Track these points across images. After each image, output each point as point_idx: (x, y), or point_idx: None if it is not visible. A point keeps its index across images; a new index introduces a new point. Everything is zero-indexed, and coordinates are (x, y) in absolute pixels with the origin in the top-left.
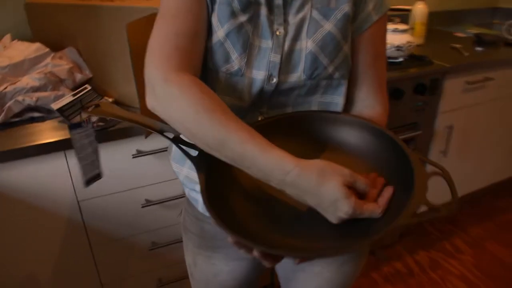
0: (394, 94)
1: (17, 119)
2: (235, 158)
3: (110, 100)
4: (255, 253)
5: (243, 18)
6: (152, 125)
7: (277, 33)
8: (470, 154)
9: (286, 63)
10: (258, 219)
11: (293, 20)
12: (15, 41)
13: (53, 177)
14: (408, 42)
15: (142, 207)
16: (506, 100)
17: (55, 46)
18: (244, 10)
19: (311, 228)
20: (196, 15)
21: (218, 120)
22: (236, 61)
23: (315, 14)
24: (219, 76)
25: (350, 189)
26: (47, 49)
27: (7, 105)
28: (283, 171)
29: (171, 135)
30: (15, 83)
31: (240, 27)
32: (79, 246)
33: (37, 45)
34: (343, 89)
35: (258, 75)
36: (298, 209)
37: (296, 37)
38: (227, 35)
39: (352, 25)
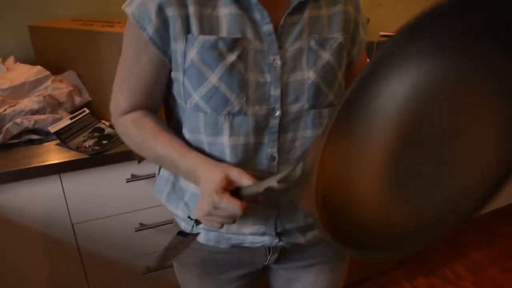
0: None
1: (15, 141)
2: (172, 169)
3: (107, 124)
4: None
5: (232, 57)
6: None
7: (274, 64)
8: None
9: (288, 94)
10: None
11: (290, 48)
12: (17, 63)
13: (48, 199)
14: None
15: (136, 231)
16: None
17: (56, 69)
18: (231, 49)
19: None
20: (150, 74)
21: (151, 146)
22: (236, 102)
23: (313, 44)
24: (221, 119)
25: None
26: (48, 72)
27: (6, 127)
28: (195, 174)
29: None
30: (14, 105)
31: (231, 67)
32: (73, 268)
33: (38, 68)
34: None
35: (261, 110)
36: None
37: (295, 68)
38: (220, 78)
39: (352, 49)
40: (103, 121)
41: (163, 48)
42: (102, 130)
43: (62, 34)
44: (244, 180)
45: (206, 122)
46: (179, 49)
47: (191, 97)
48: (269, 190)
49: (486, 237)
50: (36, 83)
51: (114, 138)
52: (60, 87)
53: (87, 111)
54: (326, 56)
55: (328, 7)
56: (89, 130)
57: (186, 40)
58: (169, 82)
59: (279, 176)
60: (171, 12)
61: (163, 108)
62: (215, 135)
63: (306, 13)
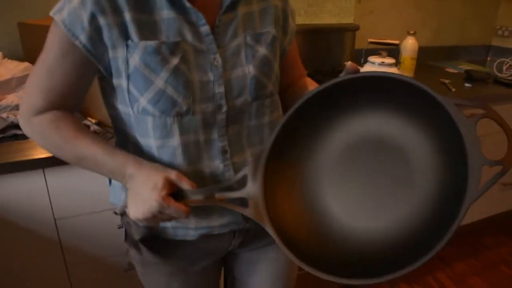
0: None
1: (0, 136)
2: (94, 169)
3: (93, 121)
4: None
5: (175, 60)
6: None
7: (215, 62)
8: None
9: (231, 90)
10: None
11: (228, 46)
12: (6, 59)
13: (32, 194)
14: None
15: (119, 228)
16: (494, 136)
17: None
18: (173, 52)
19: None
20: (72, 76)
21: (73, 147)
22: (183, 103)
23: (249, 40)
24: (170, 121)
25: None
26: None
27: None
28: (124, 173)
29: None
30: (0, 100)
31: (176, 70)
32: (55, 264)
33: (25, 64)
34: (279, 102)
35: (208, 108)
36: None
37: (235, 64)
38: (166, 81)
39: (284, 40)
40: (89, 118)
41: (96, 55)
42: (88, 127)
43: (48, 31)
44: (184, 183)
45: (154, 125)
46: (120, 56)
47: (138, 102)
48: (210, 198)
49: (470, 247)
50: (23, 79)
51: (99, 135)
52: None
53: None
54: (262, 50)
55: (258, 3)
56: None
57: (127, 46)
58: (108, 92)
59: (221, 185)
60: (105, 21)
61: None
62: (164, 137)
63: (239, 11)
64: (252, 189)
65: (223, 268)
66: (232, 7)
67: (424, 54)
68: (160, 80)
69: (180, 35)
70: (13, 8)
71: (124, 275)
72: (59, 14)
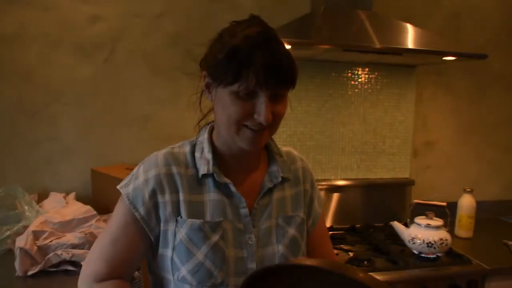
0: None
1: (54, 269)
2: None
3: None
4: None
5: (215, 237)
6: None
7: (250, 242)
8: None
9: (261, 266)
10: None
11: (262, 227)
12: (73, 201)
13: None
14: (441, 239)
15: None
16: None
17: (105, 209)
18: (214, 230)
19: None
20: (132, 247)
21: None
22: (219, 276)
23: (280, 221)
24: None
25: None
26: (94, 212)
27: (48, 256)
28: None
29: None
30: (60, 237)
31: (215, 246)
32: None
33: (87, 208)
34: None
35: (239, 281)
36: None
37: (267, 243)
38: (206, 255)
39: (308, 221)
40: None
41: (150, 226)
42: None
43: (111, 180)
44: None
45: None
46: (170, 229)
47: (179, 271)
48: None
49: None
50: (82, 221)
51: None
52: (102, 227)
53: None
54: (291, 231)
55: (290, 189)
56: None
57: (176, 222)
58: (152, 260)
59: None
60: (163, 199)
61: None
62: None
63: (274, 196)
64: None
65: None
66: (269, 192)
67: (494, 209)
68: (201, 254)
69: (222, 215)
70: (88, 155)
71: None
72: (125, 188)
